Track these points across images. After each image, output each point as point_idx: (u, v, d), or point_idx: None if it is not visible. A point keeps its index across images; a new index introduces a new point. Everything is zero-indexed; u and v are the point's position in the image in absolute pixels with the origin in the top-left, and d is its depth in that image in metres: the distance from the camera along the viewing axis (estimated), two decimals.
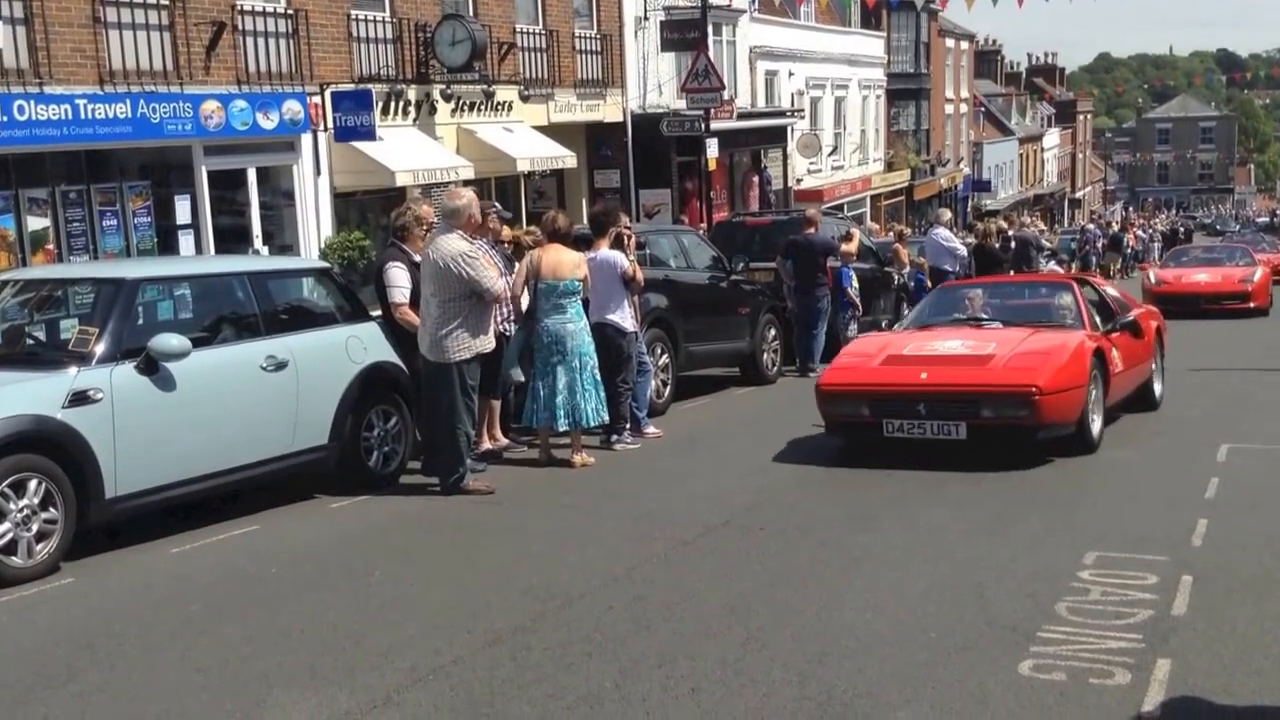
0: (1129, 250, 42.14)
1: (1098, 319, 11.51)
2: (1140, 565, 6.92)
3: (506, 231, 11.43)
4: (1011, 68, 79.80)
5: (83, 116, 14.54)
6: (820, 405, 10.59)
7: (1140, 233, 52.14)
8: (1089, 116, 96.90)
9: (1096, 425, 10.33)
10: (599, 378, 10.53)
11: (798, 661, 5.59)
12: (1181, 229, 63.58)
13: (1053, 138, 78.77)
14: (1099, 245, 40.54)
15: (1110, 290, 13.12)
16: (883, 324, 17.80)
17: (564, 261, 10.37)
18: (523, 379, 10.32)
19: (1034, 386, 9.62)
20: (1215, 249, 31.64)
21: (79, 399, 7.59)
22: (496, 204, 11.71)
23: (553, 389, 10.29)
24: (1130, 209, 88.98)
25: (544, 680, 5.47)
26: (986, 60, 69.85)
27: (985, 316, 11.63)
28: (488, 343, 9.43)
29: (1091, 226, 47.67)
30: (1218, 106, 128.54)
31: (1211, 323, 22.45)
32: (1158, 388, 12.54)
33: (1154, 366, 12.42)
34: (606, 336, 10.89)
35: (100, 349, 7.88)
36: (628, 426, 11.37)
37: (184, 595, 7.00)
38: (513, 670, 5.60)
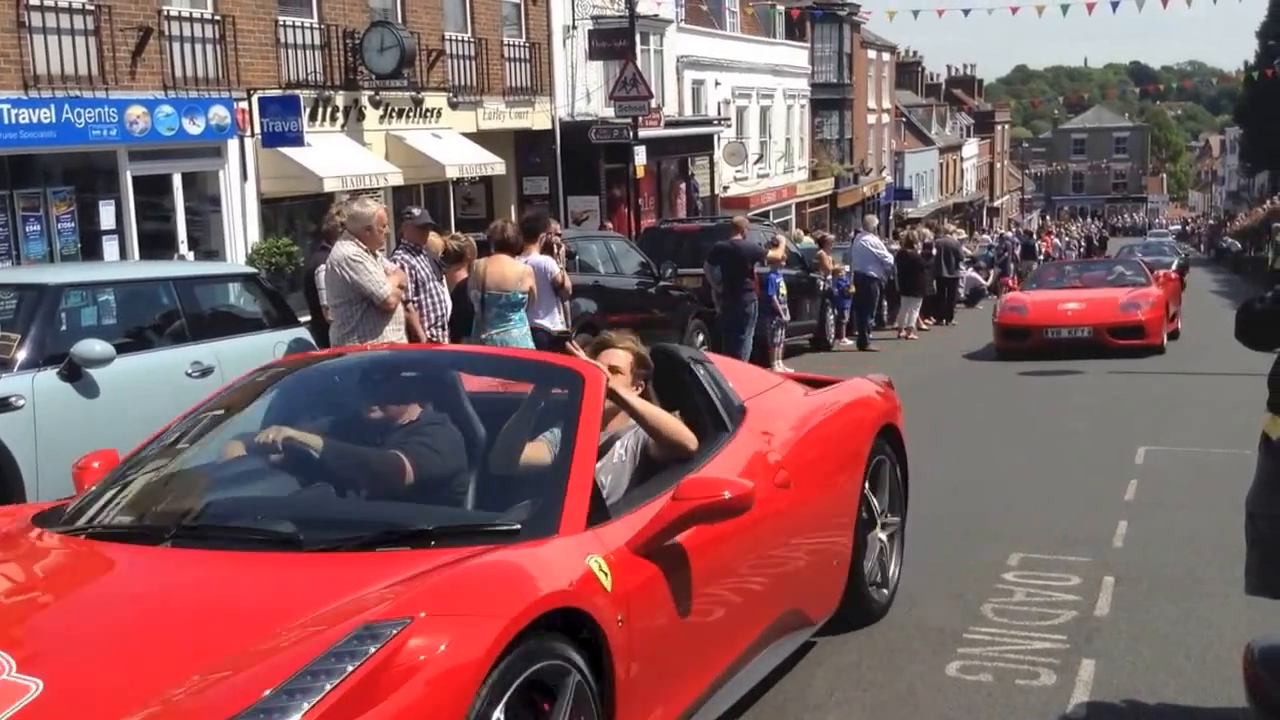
0: (1043, 257, 42.90)
1: None
2: (1063, 566, 7.05)
3: (435, 240, 11.25)
4: (931, 79, 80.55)
5: (6, 121, 14.31)
6: None
7: (1057, 240, 53.09)
8: (1006, 127, 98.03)
9: None
10: None
11: None
12: (1096, 237, 64.64)
13: (971, 147, 79.66)
14: (1017, 252, 41.27)
15: None
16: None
17: (508, 274, 10.25)
18: None
19: None
20: None
21: (0, 406, 7.49)
22: (415, 209, 11.35)
23: None
24: (1047, 217, 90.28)
25: None
26: (907, 71, 70.55)
27: None
28: None
29: (1011, 234, 48.46)
30: (1131, 118, 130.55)
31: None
32: None
33: None
34: (536, 341, 10.89)
35: (22, 355, 7.75)
36: None
37: None
38: None
